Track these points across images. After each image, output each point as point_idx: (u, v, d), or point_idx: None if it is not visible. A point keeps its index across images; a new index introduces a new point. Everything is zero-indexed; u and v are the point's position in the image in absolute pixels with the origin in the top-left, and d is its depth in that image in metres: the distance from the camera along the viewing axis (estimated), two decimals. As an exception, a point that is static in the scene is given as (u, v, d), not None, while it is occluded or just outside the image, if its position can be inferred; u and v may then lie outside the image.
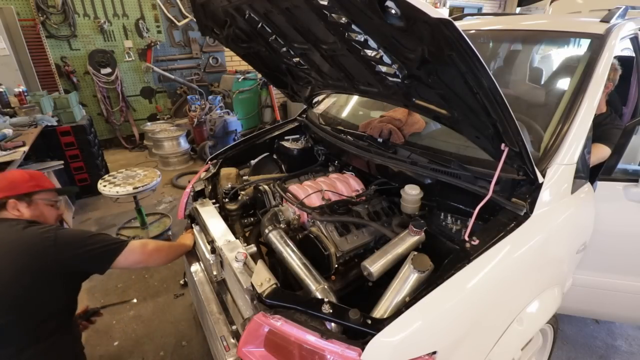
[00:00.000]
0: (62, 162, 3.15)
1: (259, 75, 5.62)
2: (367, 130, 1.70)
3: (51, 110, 3.60)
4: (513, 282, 1.12)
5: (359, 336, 0.90)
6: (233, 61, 6.19)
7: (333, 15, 1.05)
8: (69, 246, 1.23)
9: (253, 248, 1.33)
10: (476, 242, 1.05)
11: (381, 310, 0.99)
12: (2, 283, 1.13)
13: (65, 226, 2.73)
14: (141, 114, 5.76)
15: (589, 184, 1.41)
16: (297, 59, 1.64)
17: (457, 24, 0.74)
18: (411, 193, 1.36)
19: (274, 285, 1.06)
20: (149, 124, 5.48)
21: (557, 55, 1.85)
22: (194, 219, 1.78)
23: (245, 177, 1.96)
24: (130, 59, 5.34)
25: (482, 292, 1.01)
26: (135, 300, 2.45)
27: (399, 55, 1.01)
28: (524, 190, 1.19)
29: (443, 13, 0.73)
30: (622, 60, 1.87)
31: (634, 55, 1.87)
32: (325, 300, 0.99)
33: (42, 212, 1.41)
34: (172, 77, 5.55)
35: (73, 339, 1.37)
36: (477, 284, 0.98)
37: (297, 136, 2.24)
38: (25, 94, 3.59)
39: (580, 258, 1.48)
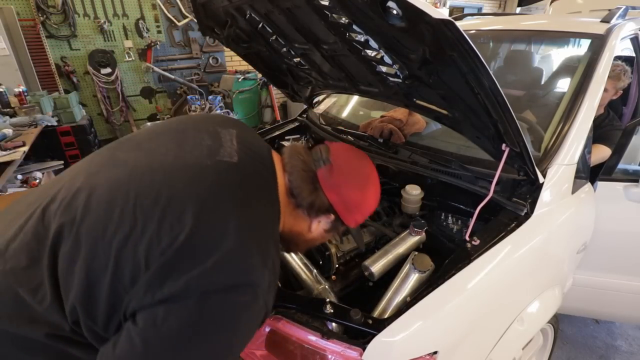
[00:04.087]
0: (62, 162, 3.15)
1: (259, 75, 5.62)
2: (367, 130, 1.70)
3: (51, 110, 3.60)
4: (514, 282, 1.12)
5: (360, 336, 0.90)
6: (233, 61, 6.18)
7: (334, 15, 1.05)
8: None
9: (254, 248, 1.32)
10: (477, 242, 1.05)
11: (382, 310, 0.99)
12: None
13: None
14: (141, 114, 5.75)
15: (589, 184, 1.41)
16: (298, 59, 1.64)
17: (458, 24, 0.74)
18: (412, 193, 1.36)
19: (275, 285, 1.06)
20: (149, 124, 5.48)
21: (558, 56, 1.85)
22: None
23: (245, 177, 1.96)
24: (130, 59, 5.33)
25: (483, 292, 1.01)
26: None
27: (400, 55, 1.01)
28: (524, 191, 1.19)
29: (443, 13, 0.73)
30: (622, 61, 1.88)
31: (634, 55, 1.87)
32: (327, 300, 0.99)
33: (321, 233, 0.95)
34: (172, 77, 5.54)
35: None
36: (478, 284, 0.99)
37: (298, 136, 2.23)
38: (25, 94, 3.59)
39: (580, 258, 1.48)
